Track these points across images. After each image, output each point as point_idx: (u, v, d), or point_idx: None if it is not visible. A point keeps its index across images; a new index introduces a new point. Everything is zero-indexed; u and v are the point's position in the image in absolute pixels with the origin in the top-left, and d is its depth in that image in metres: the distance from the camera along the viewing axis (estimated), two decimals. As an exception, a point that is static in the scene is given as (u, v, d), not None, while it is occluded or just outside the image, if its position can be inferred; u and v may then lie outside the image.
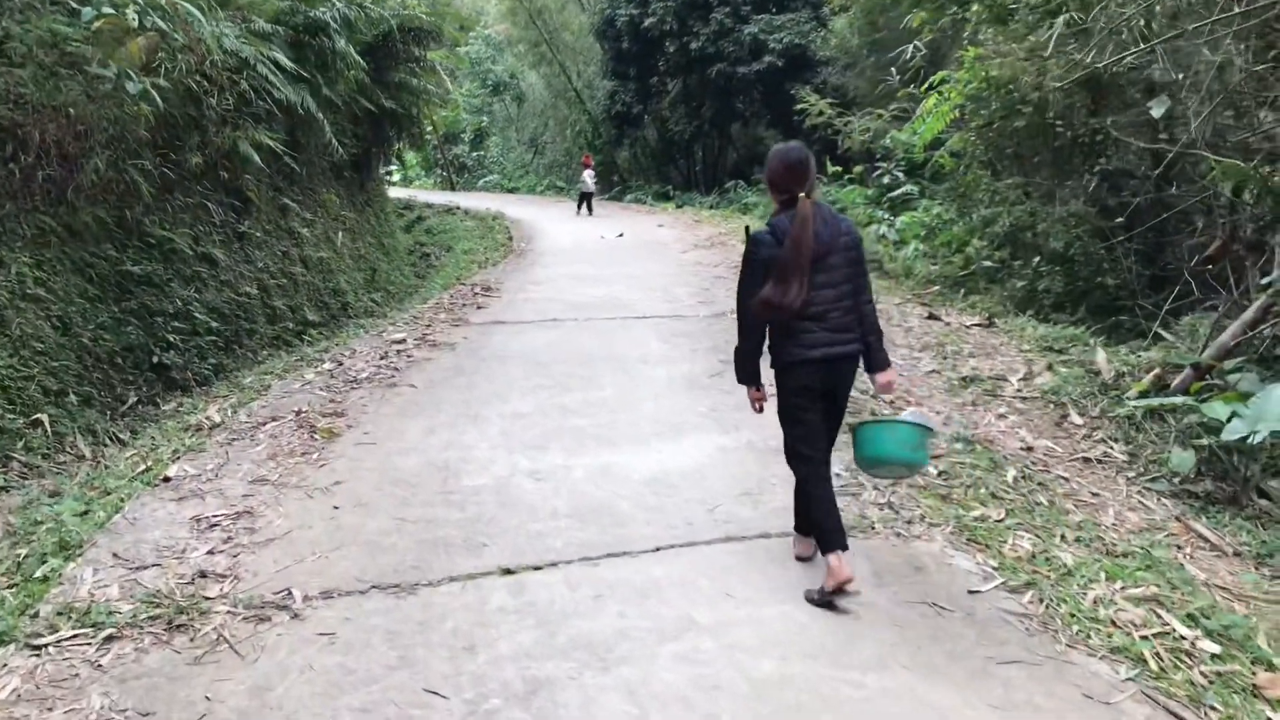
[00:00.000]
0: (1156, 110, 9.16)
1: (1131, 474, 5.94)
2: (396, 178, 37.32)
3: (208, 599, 3.97)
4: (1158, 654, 3.45)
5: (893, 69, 14.78)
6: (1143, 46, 7.92)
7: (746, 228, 4.49)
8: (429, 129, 20.20)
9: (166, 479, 5.41)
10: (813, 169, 4.02)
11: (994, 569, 4.20)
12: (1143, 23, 7.66)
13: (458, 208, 26.58)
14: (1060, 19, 10.30)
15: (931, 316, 10.70)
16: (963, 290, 12.31)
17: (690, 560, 4.31)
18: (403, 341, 9.03)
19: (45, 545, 4.55)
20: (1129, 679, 3.30)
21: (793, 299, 3.84)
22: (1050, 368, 7.74)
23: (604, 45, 32.88)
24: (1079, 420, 6.74)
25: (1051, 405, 7.03)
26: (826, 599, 3.87)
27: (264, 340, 11.48)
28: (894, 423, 4.25)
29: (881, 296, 11.34)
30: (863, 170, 19.94)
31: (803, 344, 3.95)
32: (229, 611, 3.86)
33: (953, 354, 8.57)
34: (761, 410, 4.30)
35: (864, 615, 3.77)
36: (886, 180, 18.44)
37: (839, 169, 21.01)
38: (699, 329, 9.14)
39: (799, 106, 20.66)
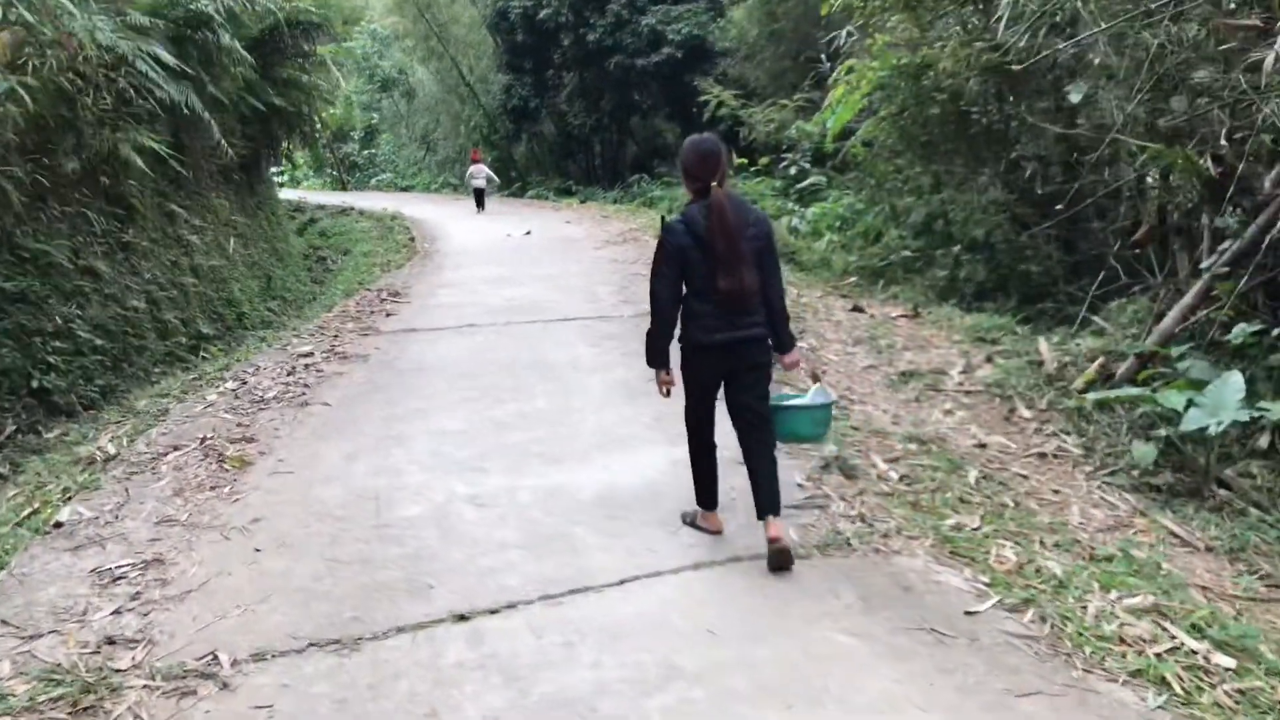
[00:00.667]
0: (1075, 95, 9.15)
1: (1089, 468, 5.81)
2: (284, 179, 35.95)
3: (118, 671, 3.44)
4: (1179, 675, 3.23)
5: (823, 55, 14.47)
6: (1092, 33, 7.82)
7: (662, 217, 4.69)
8: (319, 127, 19.32)
9: (58, 524, 4.80)
10: (724, 159, 4.21)
11: (986, 585, 3.95)
12: (1079, 5, 7.55)
13: (352, 208, 25.67)
14: (971, 5, 10.28)
15: (856, 309, 10.57)
16: (882, 281, 12.22)
17: (660, 593, 3.96)
18: (310, 355, 8.45)
19: (-83, 613, 3.95)
20: (1159, 707, 3.07)
21: (749, 284, 4.08)
22: (990, 360, 7.62)
23: (498, 38, 32.21)
24: (1028, 414, 6.61)
25: (997, 399, 6.89)
26: (692, 524, 4.54)
27: (156, 357, 10.74)
28: (806, 408, 4.63)
29: (801, 290, 11.17)
30: (769, 161, 19.84)
31: (707, 327, 4.14)
32: (145, 685, 3.34)
33: (886, 348, 8.40)
34: (668, 394, 4.46)
35: (862, 648, 3.47)
36: (794, 171, 18.37)
37: (744, 160, 20.88)
38: (626, 330, 8.78)
39: (702, 98, 20.47)
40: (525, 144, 33.88)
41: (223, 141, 12.41)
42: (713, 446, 4.53)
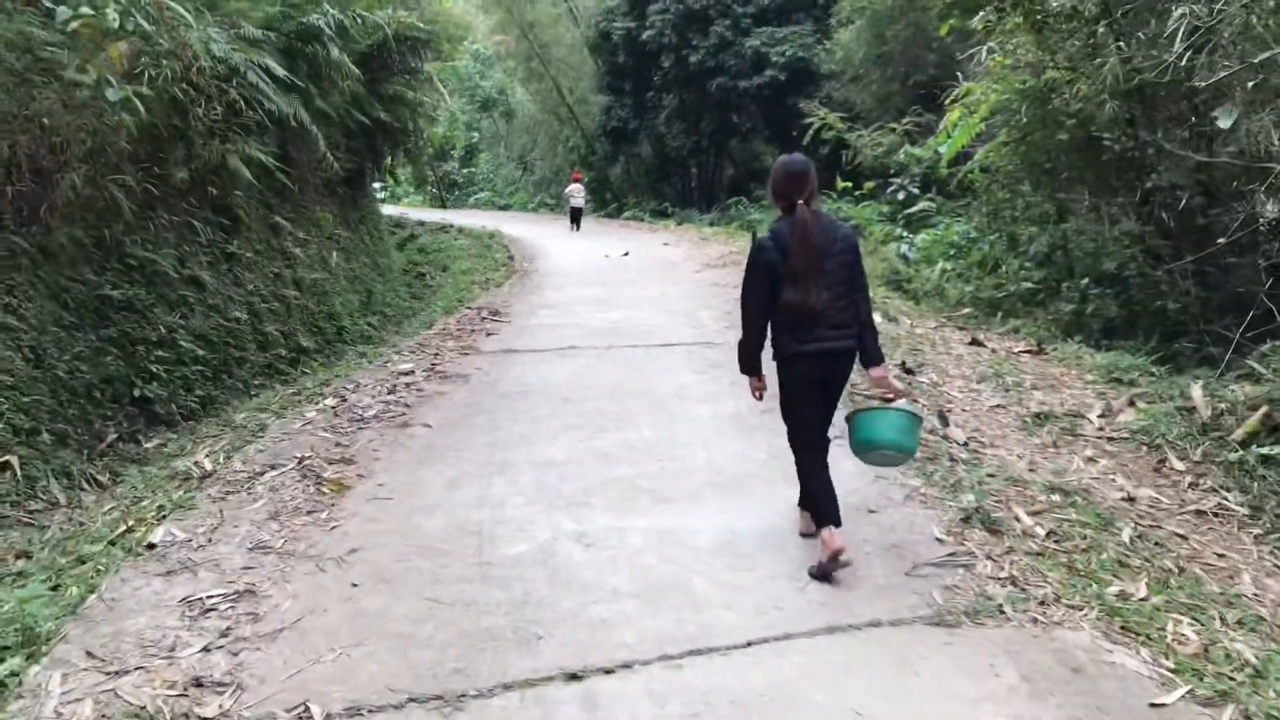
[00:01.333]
0: (1224, 120, 8.48)
1: (1257, 530, 5.22)
2: (385, 194, 36.49)
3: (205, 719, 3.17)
4: None
5: (958, 74, 13.85)
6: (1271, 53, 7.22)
7: (753, 232, 4.77)
8: (424, 143, 19.42)
9: (151, 546, 4.61)
10: (813, 179, 4.37)
11: (1170, 671, 3.45)
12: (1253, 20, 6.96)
13: (451, 225, 25.79)
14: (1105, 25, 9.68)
15: (975, 342, 10.00)
16: (1000, 313, 11.62)
17: (793, 660, 3.54)
18: (411, 373, 8.25)
19: (6, 636, 3.74)
20: None
21: (814, 301, 4.21)
22: (1132, 403, 7.02)
23: (598, 59, 32.25)
24: (1180, 465, 6.02)
25: (1144, 447, 6.30)
26: (824, 570, 4.21)
27: (255, 369, 10.69)
28: (884, 409, 4.44)
29: (915, 320, 10.66)
30: (874, 186, 19.31)
31: (800, 339, 4.30)
32: (232, 738, 3.07)
33: (1014, 386, 7.85)
34: (760, 398, 4.75)
35: (1036, 743, 3.01)
36: (902, 196, 17.81)
37: (848, 184, 20.39)
38: (734, 358, 8.36)
39: (807, 121, 20.04)
40: (622, 165, 33.80)
41: (328, 155, 12.42)
42: (820, 454, 4.53)
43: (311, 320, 12.23)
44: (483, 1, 37.69)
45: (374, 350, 10.17)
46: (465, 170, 45.95)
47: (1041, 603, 3.99)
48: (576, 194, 24.43)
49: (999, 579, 4.21)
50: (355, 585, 4.19)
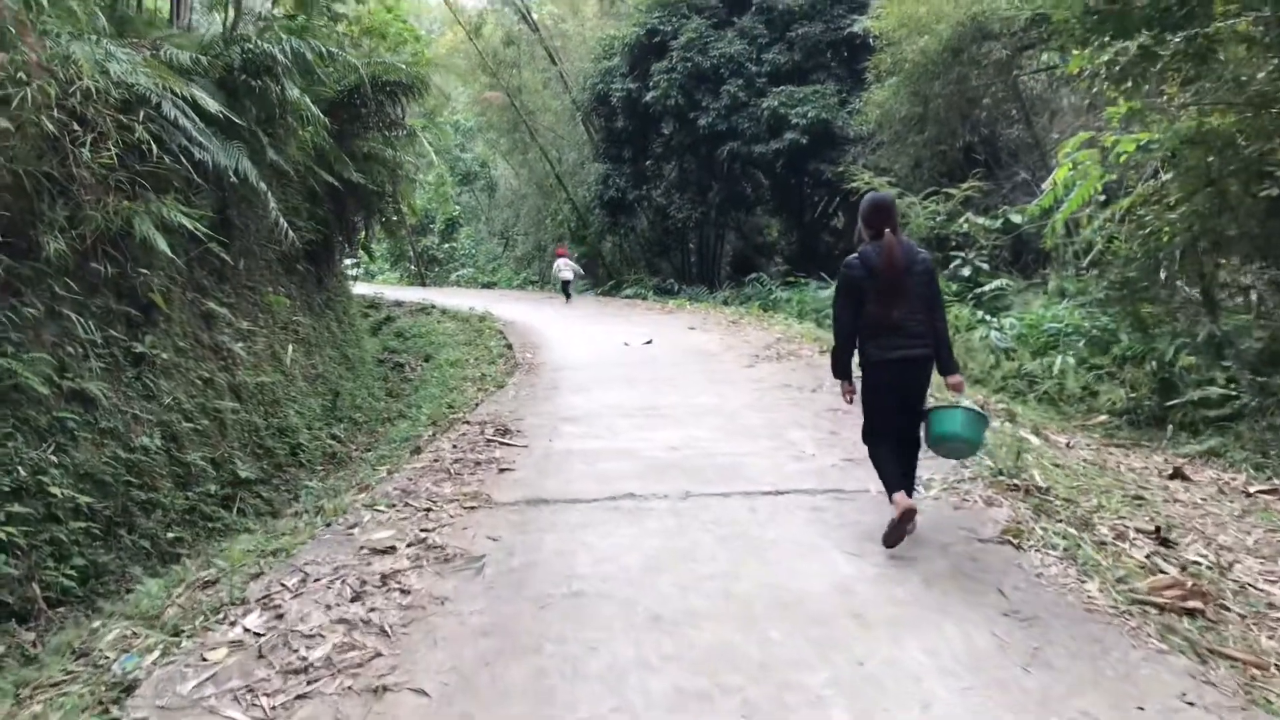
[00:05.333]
0: None
1: None
2: (358, 271, 33.64)
3: None
4: None
5: (1022, 126, 11.13)
6: None
7: (845, 262, 5.17)
8: (404, 211, 16.57)
9: None
10: (895, 212, 5.17)
11: None
12: None
13: (433, 306, 22.87)
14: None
15: (1178, 475, 7.14)
16: (1170, 427, 8.78)
17: None
18: (390, 551, 5.25)
19: None
20: None
21: (896, 315, 4.94)
22: None
23: (593, 125, 29.83)
24: None
25: None
26: (896, 528, 4.94)
27: (171, 517, 7.69)
28: (960, 409, 5.11)
29: (1048, 430, 7.87)
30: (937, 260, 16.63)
31: (883, 347, 5.01)
32: None
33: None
34: (851, 401, 5.36)
35: None
36: (967, 272, 15.09)
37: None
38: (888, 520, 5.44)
39: (851, 185, 17.39)
40: (616, 239, 31.12)
41: (282, 221, 9.49)
42: (886, 442, 5.18)
43: (255, 439, 9.19)
44: (465, 70, 35.44)
45: (335, 500, 7.09)
46: (446, 245, 43.23)
47: None
48: (564, 268, 25.11)
49: None
50: None
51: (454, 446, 7.77)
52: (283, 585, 4.85)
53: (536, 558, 5.09)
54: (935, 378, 5.24)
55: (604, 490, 6.26)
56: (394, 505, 6.15)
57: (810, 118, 21.48)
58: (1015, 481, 6.11)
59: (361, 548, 5.35)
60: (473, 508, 6.03)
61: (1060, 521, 5.44)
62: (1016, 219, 14.92)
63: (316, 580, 4.90)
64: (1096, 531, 5.35)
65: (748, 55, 22.94)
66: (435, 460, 7.32)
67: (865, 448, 5.30)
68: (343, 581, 4.85)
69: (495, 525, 5.66)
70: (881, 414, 5.17)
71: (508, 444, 7.75)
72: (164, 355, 8.07)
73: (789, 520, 5.55)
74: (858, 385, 5.25)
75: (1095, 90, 11.50)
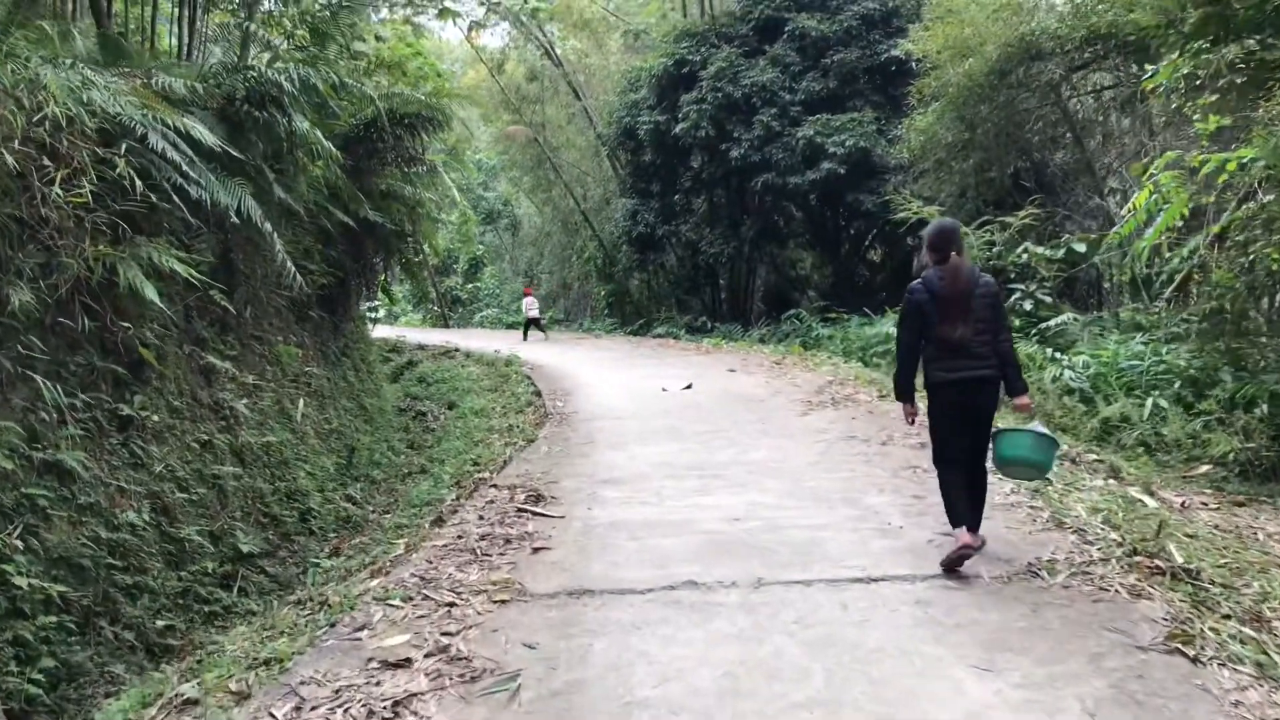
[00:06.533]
0: None
1: None
2: (380, 313, 32.94)
3: None
4: None
5: (1078, 146, 10.05)
6: None
7: (909, 287, 5.31)
8: (426, 251, 15.74)
9: None
10: (960, 237, 5.33)
11: None
12: None
13: (456, 349, 21.99)
14: None
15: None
16: (1295, 478, 7.70)
17: None
18: (404, 664, 4.28)
19: None
20: None
21: (961, 334, 5.02)
22: None
23: (619, 160, 29.09)
24: None
25: None
26: (950, 560, 4.99)
27: (158, 602, 6.76)
28: (1029, 432, 5.27)
29: (1154, 483, 6.83)
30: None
31: (947, 368, 5.10)
32: None
33: None
34: (913, 423, 5.48)
35: None
36: (1029, 306, 14.05)
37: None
38: (1024, 620, 4.42)
39: (899, 215, 16.44)
40: (644, 276, 30.22)
41: (289, 265, 8.61)
42: (957, 470, 5.22)
43: (260, 507, 8.27)
44: (488, 108, 34.92)
45: (345, 592, 6.12)
46: (470, 285, 42.56)
47: None
48: (531, 306, 27.18)
49: None
50: None
51: (480, 517, 6.80)
52: (271, 717, 3.89)
53: (584, 674, 4.11)
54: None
55: (659, 576, 5.26)
56: (411, 598, 5.17)
57: (848, 146, 20.57)
58: (1156, 562, 5.07)
59: (370, 659, 4.38)
60: (504, 601, 5.05)
61: (1229, 618, 4.40)
62: (1080, 248, 13.88)
63: (314, 708, 3.94)
64: (1275, 630, 4.31)
65: (781, 84, 22.10)
66: (459, 536, 6.34)
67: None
68: (345, 710, 3.88)
69: (531, 626, 4.68)
70: (948, 437, 5.25)
71: (541, 514, 6.77)
72: (155, 417, 7.18)
73: (891, 619, 4.52)
74: (920, 408, 5.43)
75: (1175, 106, 10.56)
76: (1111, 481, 7.16)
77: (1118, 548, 5.31)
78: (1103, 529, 5.66)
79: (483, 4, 26.37)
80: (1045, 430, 5.38)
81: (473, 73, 35.27)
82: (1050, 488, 6.76)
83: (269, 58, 10.25)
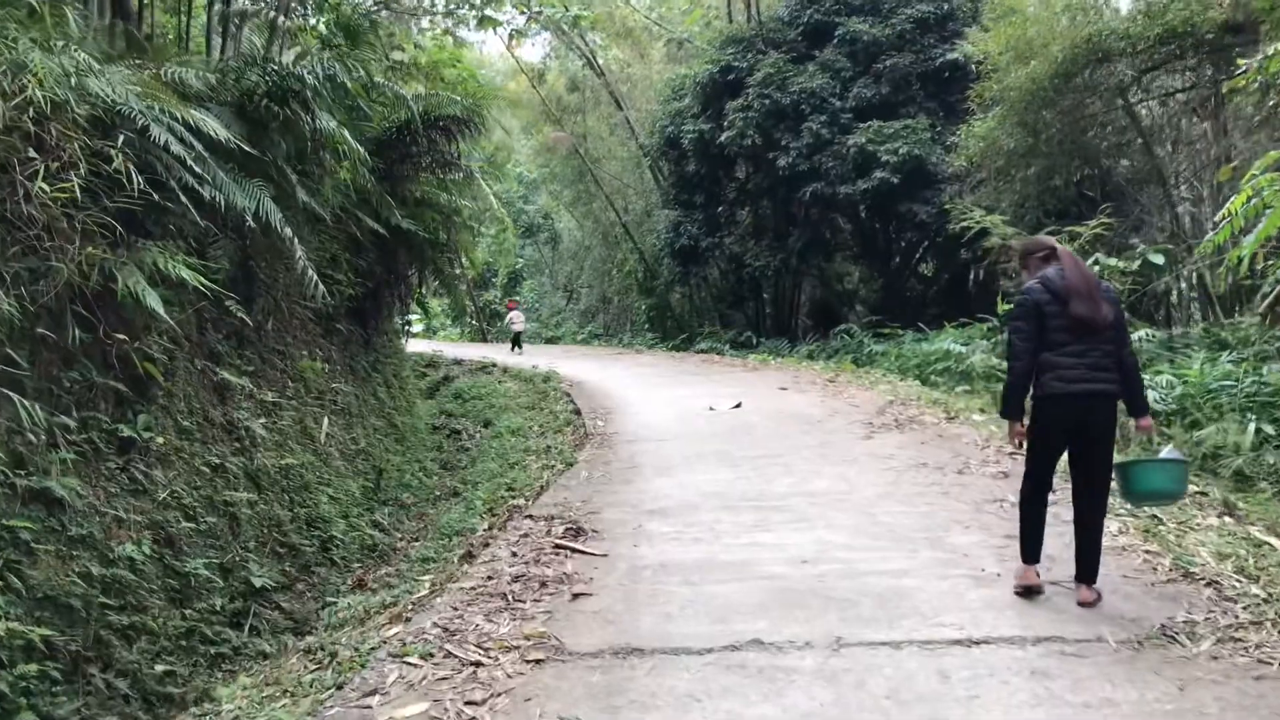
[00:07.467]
0: None
1: None
2: (419, 327, 32.48)
3: None
4: None
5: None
6: None
7: (1013, 298, 5.42)
8: (464, 263, 15.14)
9: None
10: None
11: None
12: None
13: (494, 364, 21.38)
14: None
15: None
16: None
17: None
18: (417, 746, 3.56)
19: None
20: None
21: (1104, 314, 4.47)
22: None
23: (661, 171, 28.43)
24: None
25: None
26: (1019, 590, 4.72)
27: (158, 645, 6.12)
28: (1165, 461, 4.78)
29: (1262, 526, 5.96)
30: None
31: (1064, 378, 4.51)
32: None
33: None
34: (1020, 445, 4.78)
35: None
36: (1105, 321, 13.08)
37: (1010, 307, 15.86)
38: (1170, 701, 3.62)
39: (961, 224, 15.58)
40: (686, 290, 29.49)
41: (310, 273, 7.97)
42: (1047, 499, 4.79)
43: (277, 536, 7.63)
44: (528, 120, 34.49)
45: (359, 626, 5.45)
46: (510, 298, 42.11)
47: None
48: (517, 320, 27.46)
49: None
50: None
51: (514, 553, 6.08)
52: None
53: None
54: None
55: (719, 633, 4.50)
56: (431, 655, 4.45)
57: (901, 154, 19.71)
58: (1315, 625, 4.24)
59: (375, 730, 3.67)
60: (538, 660, 4.31)
61: None
62: (1158, 259, 12.97)
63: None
64: None
65: (831, 90, 21.31)
66: (489, 576, 5.62)
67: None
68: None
69: (570, 695, 3.94)
70: (1050, 461, 4.76)
71: (581, 550, 6.04)
72: (160, 439, 6.55)
73: (1005, 696, 3.73)
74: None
75: (1274, 104, 9.70)
76: (1228, 519, 6.30)
77: (1266, 606, 4.48)
78: (1240, 581, 4.83)
79: (524, 13, 25.84)
80: (1178, 454, 4.94)
81: (513, 84, 34.82)
82: (1162, 526, 5.93)
83: (297, 53, 9.68)
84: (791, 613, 4.70)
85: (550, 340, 35.23)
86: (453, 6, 18.72)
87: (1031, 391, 4.66)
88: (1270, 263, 9.71)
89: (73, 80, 5.21)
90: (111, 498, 6.06)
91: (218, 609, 6.62)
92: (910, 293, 24.67)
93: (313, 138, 8.27)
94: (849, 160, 20.51)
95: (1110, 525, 5.78)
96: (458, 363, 22.80)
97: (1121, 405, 4.71)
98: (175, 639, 6.19)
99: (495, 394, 16.73)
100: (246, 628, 6.76)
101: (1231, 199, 9.45)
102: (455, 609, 5.09)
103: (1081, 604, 4.52)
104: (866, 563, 5.42)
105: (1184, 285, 17.34)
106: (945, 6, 21.24)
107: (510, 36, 26.40)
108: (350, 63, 8.57)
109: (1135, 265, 13.33)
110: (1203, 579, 4.90)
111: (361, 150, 8.93)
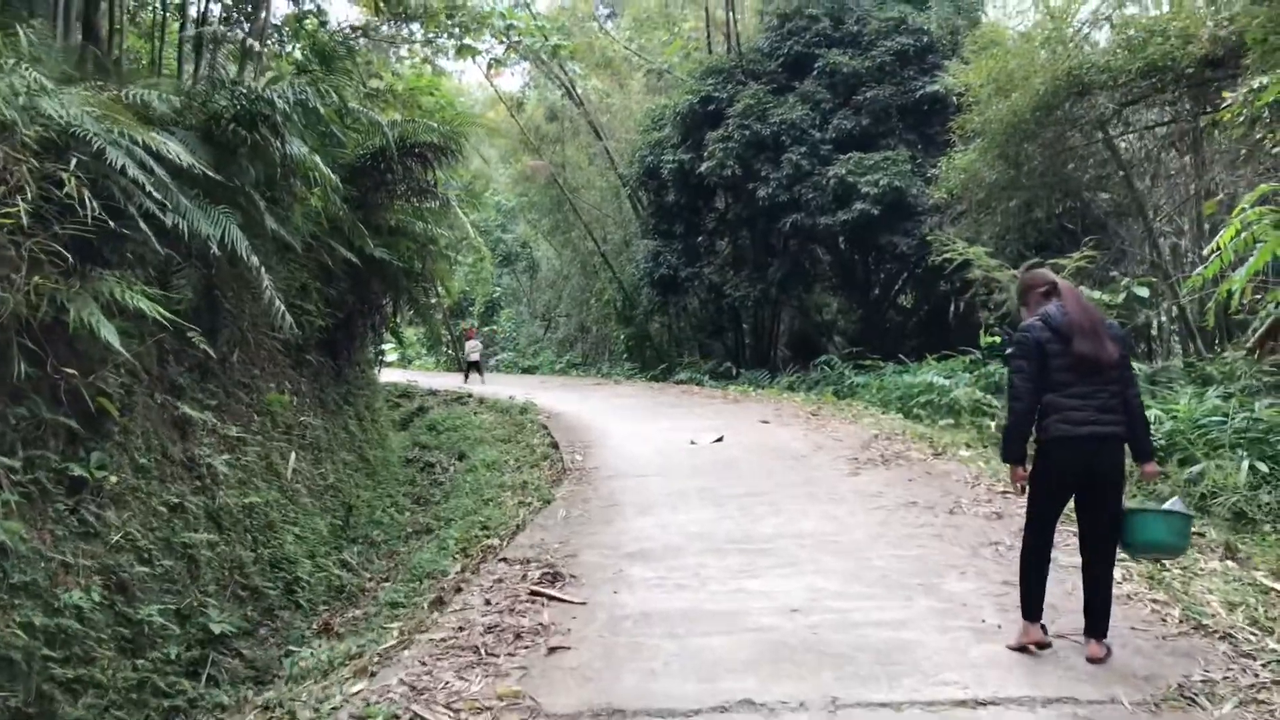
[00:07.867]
0: None
1: None
2: (393, 357, 32.06)
3: None
4: None
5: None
6: None
7: (1010, 335, 4.96)
8: (440, 293, 14.84)
9: None
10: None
11: None
12: None
13: (470, 395, 21.05)
14: None
15: None
16: None
17: None
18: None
19: None
20: None
21: (1109, 352, 4.27)
22: None
23: (640, 201, 28.29)
24: None
25: None
26: (1016, 648, 4.44)
27: (106, 698, 5.75)
28: (1169, 513, 4.50)
29: (1265, 571, 5.74)
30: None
31: (1070, 420, 4.27)
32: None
33: None
34: (1023, 491, 4.59)
35: None
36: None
37: (995, 339, 15.73)
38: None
39: (944, 256, 15.45)
40: (665, 320, 29.29)
41: (278, 303, 7.66)
42: (1049, 552, 4.53)
43: (239, 578, 7.26)
44: (506, 149, 34.36)
45: (322, 678, 5.11)
46: (486, 329, 41.78)
47: None
48: (473, 350, 27.16)
49: None
50: None
51: (487, 601, 5.76)
52: None
53: None
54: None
55: (706, 692, 4.20)
56: (397, 716, 4.13)
57: (882, 186, 19.59)
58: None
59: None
60: (512, 726, 4.00)
61: None
62: (1143, 292, 12.86)
63: None
64: None
65: (811, 121, 21.23)
66: (460, 627, 5.30)
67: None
68: None
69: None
70: (1053, 508, 4.54)
71: (559, 598, 5.72)
72: (114, 478, 6.20)
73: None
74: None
75: (1260, 137, 9.60)
76: (1231, 564, 6.08)
77: (1289, 664, 4.23)
78: (1255, 634, 4.58)
79: (503, 42, 25.71)
80: (1182, 507, 4.66)
81: (492, 113, 34.64)
82: (1167, 572, 5.69)
83: (269, 77, 9.42)
84: (783, 669, 4.41)
85: (527, 370, 34.89)
86: (431, 35, 18.57)
87: (1034, 435, 4.46)
88: (1259, 296, 9.57)
89: (21, 100, 4.93)
90: (59, 541, 5.71)
91: (172, 658, 6.25)
92: (889, 324, 24.53)
93: (283, 163, 7.99)
94: (829, 191, 20.38)
95: (1114, 572, 5.54)
96: (432, 393, 22.44)
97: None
98: (125, 691, 5.82)
99: (470, 425, 16.38)
100: (204, 678, 6.39)
101: (1220, 233, 9.32)
102: (424, 663, 4.77)
103: (1090, 660, 4.30)
104: (861, 612, 5.14)
105: (1164, 318, 17.29)
106: (925, 39, 21.25)
107: (489, 65, 26.32)
108: (323, 87, 8.29)
109: (1120, 298, 13.22)
110: (1216, 631, 4.66)
111: (334, 177, 8.66)
